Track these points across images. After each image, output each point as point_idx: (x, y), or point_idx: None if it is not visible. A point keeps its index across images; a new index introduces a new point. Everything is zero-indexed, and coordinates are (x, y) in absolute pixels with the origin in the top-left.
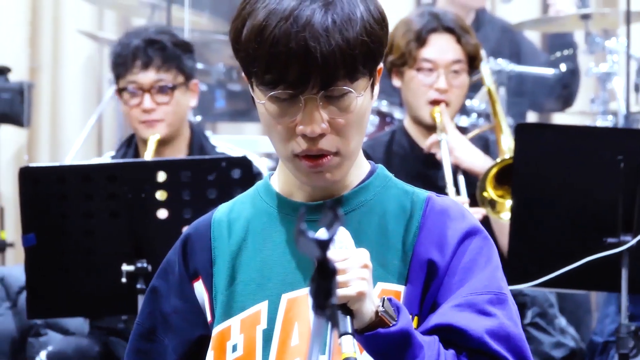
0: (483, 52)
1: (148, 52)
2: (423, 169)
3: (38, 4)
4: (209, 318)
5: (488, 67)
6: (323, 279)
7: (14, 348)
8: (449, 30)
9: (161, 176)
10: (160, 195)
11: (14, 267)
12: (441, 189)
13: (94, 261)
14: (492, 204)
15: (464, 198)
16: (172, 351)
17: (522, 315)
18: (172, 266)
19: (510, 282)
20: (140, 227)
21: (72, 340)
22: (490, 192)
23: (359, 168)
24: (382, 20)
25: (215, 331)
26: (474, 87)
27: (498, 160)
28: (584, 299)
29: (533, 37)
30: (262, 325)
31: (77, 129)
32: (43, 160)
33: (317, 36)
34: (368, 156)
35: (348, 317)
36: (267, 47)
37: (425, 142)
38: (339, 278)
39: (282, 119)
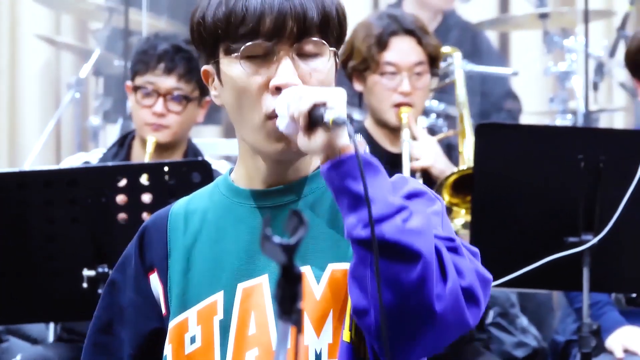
0: (459, 56)
1: (174, 59)
2: (386, 169)
3: None
4: (163, 311)
5: (462, 71)
6: (288, 284)
7: None
8: (410, 32)
9: (121, 181)
10: (120, 199)
11: None
12: None
13: (55, 266)
14: (447, 210)
15: None
16: (128, 344)
17: (484, 316)
18: (129, 259)
19: None
20: (101, 232)
21: (41, 350)
22: (446, 198)
23: (313, 156)
24: (344, 9)
25: (172, 324)
26: (440, 90)
27: (456, 169)
28: (545, 298)
29: (491, 36)
30: (218, 316)
31: (36, 133)
32: (1, 165)
33: None
34: None
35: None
36: (241, 2)
37: (387, 143)
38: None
39: (254, 77)
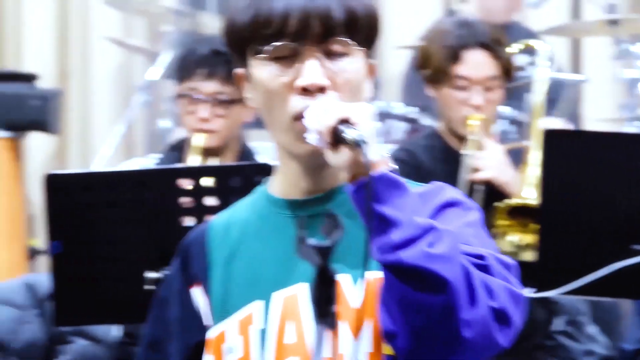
0: (547, 52)
1: (214, 63)
2: (456, 169)
3: (66, 11)
4: (208, 322)
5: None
6: (324, 286)
7: (42, 355)
8: (484, 45)
9: (185, 183)
10: (184, 201)
11: (43, 275)
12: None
13: (120, 268)
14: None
15: None
16: (175, 358)
17: (552, 324)
18: (173, 275)
19: (539, 290)
20: (165, 234)
21: (89, 349)
22: (500, 222)
23: None
24: (376, 10)
25: (212, 334)
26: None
27: (512, 201)
28: (613, 306)
29: (562, 43)
30: (257, 325)
31: (107, 136)
32: (73, 167)
33: None
34: (413, 155)
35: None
36: (266, 4)
37: (460, 147)
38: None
39: (280, 78)
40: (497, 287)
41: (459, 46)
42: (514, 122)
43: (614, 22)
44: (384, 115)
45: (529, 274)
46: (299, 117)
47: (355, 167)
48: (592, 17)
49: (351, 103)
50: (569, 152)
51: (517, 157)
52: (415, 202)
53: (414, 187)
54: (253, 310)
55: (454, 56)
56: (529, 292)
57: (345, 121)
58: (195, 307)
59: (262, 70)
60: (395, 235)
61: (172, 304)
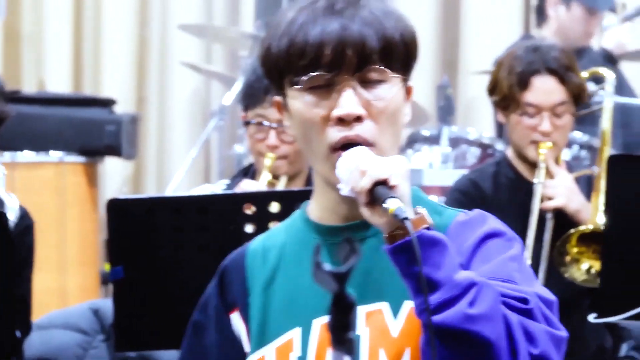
0: (612, 81)
1: None
2: (529, 200)
3: (145, 37)
4: (247, 348)
5: (612, 99)
6: (340, 312)
7: None
8: (552, 71)
9: (250, 208)
10: (249, 227)
11: (110, 300)
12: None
13: (182, 294)
14: (576, 262)
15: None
16: None
17: (618, 349)
18: (210, 300)
19: (602, 315)
20: None
21: None
22: (573, 250)
23: None
24: (414, 33)
25: None
26: (583, 120)
27: (590, 226)
28: None
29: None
30: (296, 353)
31: (183, 160)
32: (149, 192)
33: (353, 18)
34: (477, 185)
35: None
36: (301, 33)
37: (530, 174)
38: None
39: (316, 108)
40: (538, 333)
41: (528, 73)
42: (586, 147)
43: None
44: (458, 141)
45: (593, 299)
46: (336, 148)
47: (391, 226)
48: None
49: (386, 159)
50: (632, 176)
51: (589, 183)
52: (454, 261)
53: (457, 215)
54: (292, 337)
55: (523, 83)
56: (592, 318)
57: (382, 182)
58: (234, 333)
59: (298, 101)
60: (435, 297)
61: (209, 329)
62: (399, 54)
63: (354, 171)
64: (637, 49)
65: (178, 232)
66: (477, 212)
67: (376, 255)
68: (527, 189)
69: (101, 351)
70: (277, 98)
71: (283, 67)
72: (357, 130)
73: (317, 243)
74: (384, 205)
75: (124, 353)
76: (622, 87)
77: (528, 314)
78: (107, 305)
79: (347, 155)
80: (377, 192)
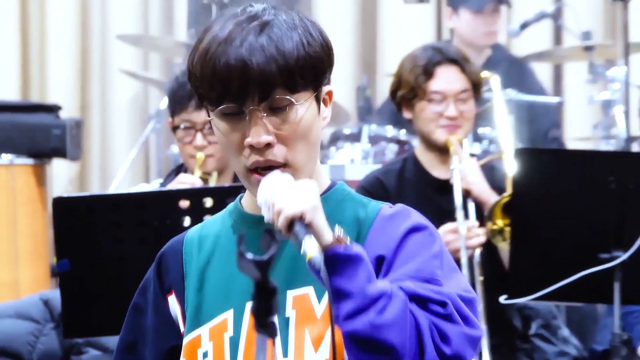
0: (497, 80)
1: None
2: (432, 194)
3: (86, 47)
4: (182, 329)
5: (501, 95)
6: (263, 298)
7: None
8: (453, 61)
9: (184, 203)
10: (184, 221)
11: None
12: (450, 213)
13: (124, 284)
14: (500, 232)
15: (472, 221)
16: None
17: (527, 327)
18: (149, 284)
19: (511, 296)
20: None
21: (100, 358)
22: (499, 222)
23: (318, 182)
24: (322, 40)
25: (186, 340)
26: (486, 115)
27: (506, 193)
28: (590, 310)
29: (545, 68)
30: (229, 333)
31: (124, 161)
32: (94, 190)
33: (253, 51)
34: (381, 183)
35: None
36: (209, 66)
37: (434, 169)
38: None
39: (232, 134)
40: (453, 334)
41: (432, 64)
42: (495, 142)
43: (589, 48)
44: (377, 138)
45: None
46: (251, 169)
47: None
48: (569, 43)
49: (296, 190)
50: (537, 168)
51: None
52: (368, 274)
53: (381, 208)
54: (226, 317)
55: (428, 73)
56: (503, 299)
57: (297, 218)
58: (171, 315)
59: (218, 124)
60: (347, 306)
61: (147, 311)
62: (303, 74)
63: (270, 207)
64: (542, 50)
65: (118, 227)
66: (400, 206)
67: None
68: (430, 183)
69: (51, 338)
70: (205, 113)
71: (200, 93)
72: (268, 156)
73: (242, 232)
74: (301, 250)
75: (72, 339)
76: (532, 86)
77: (446, 317)
78: (56, 295)
79: (262, 185)
80: (294, 231)
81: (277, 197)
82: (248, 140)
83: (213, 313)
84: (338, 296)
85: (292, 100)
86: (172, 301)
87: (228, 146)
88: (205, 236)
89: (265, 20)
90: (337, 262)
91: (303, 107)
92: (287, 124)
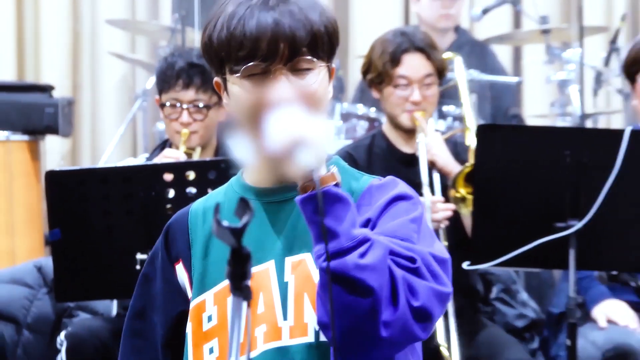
0: (460, 60)
1: (190, 74)
2: (400, 168)
3: (78, 31)
4: (189, 295)
5: (464, 74)
6: (238, 263)
7: (51, 328)
8: (420, 49)
9: (168, 176)
10: (169, 193)
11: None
12: (417, 186)
13: (113, 251)
14: (463, 200)
15: (438, 196)
16: (159, 327)
17: (489, 291)
18: (157, 254)
19: (473, 263)
20: (152, 221)
21: (87, 322)
22: (461, 191)
23: None
24: (334, 19)
25: (192, 305)
26: (450, 94)
27: (468, 164)
28: (547, 275)
29: (505, 50)
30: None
31: (113, 137)
32: (85, 164)
33: (284, 14)
34: (352, 157)
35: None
36: (240, 26)
37: (401, 144)
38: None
39: (255, 94)
40: (420, 288)
41: (399, 51)
42: (458, 119)
43: (546, 32)
44: (348, 115)
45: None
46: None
47: (304, 179)
48: (528, 27)
49: (311, 118)
50: (497, 143)
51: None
52: (354, 216)
53: (371, 180)
54: (228, 283)
55: (395, 60)
56: (465, 265)
57: (299, 141)
58: (179, 282)
59: (237, 86)
60: (333, 245)
61: (155, 279)
62: (324, 44)
63: (280, 129)
64: (502, 34)
65: (106, 198)
66: (390, 178)
67: None
68: (398, 157)
69: (44, 302)
70: (217, 79)
71: (223, 56)
72: None
73: (217, 202)
74: (298, 159)
75: (64, 303)
76: (494, 67)
77: (414, 271)
78: (49, 262)
79: (278, 112)
80: (294, 147)
81: (289, 119)
82: (270, 95)
83: (217, 279)
84: (322, 234)
85: (315, 62)
86: (180, 269)
87: (247, 107)
88: (209, 208)
89: None
90: (327, 200)
91: (320, 74)
92: (309, 86)
